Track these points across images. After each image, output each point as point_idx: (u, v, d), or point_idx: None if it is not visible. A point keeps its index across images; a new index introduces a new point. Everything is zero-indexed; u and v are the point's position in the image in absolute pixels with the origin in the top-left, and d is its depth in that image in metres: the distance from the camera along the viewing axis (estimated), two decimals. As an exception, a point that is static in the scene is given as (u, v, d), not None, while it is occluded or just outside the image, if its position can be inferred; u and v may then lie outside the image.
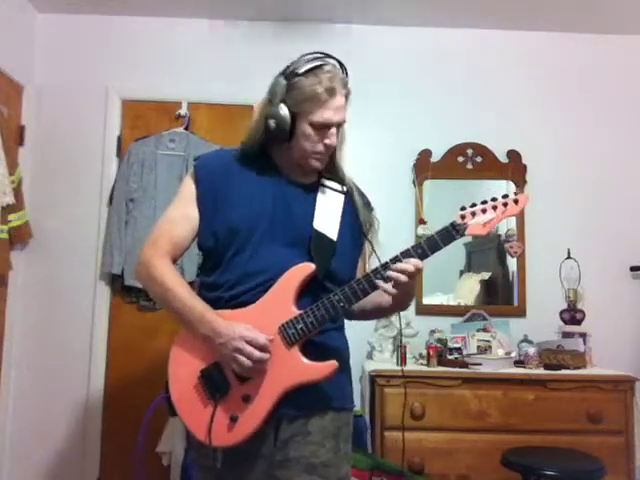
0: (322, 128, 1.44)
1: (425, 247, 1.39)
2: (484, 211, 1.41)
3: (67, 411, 2.97)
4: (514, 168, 3.13)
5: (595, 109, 3.20)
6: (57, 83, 3.13)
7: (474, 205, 1.42)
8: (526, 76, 3.21)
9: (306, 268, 1.42)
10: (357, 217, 1.55)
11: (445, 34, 3.22)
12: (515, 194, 1.43)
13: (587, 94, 3.21)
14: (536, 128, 3.17)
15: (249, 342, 1.34)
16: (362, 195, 1.61)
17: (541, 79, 3.21)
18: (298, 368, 1.38)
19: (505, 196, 1.43)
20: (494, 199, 1.42)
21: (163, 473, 2.65)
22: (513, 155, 3.14)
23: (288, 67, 1.46)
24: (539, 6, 2.98)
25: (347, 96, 1.49)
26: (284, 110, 1.43)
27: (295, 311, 1.40)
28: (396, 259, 1.39)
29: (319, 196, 1.53)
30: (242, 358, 1.34)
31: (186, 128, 3.08)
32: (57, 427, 2.97)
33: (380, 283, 1.38)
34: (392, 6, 3.02)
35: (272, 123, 1.44)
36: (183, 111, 3.11)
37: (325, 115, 1.43)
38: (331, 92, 1.42)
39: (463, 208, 1.42)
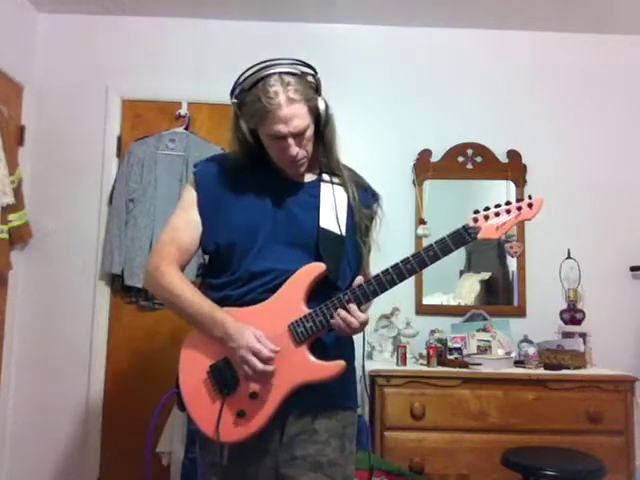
0: (279, 139, 1.41)
1: (437, 249, 1.39)
2: (497, 214, 1.40)
3: (67, 411, 2.97)
4: (514, 168, 3.13)
5: (595, 109, 3.20)
6: (57, 83, 3.13)
7: (487, 208, 1.41)
8: (526, 76, 3.21)
9: (316, 268, 1.42)
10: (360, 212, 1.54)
11: (445, 34, 3.22)
12: (530, 198, 1.42)
13: (587, 94, 3.21)
14: (536, 128, 3.17)
15: (254, 353, 1.35)
16: (365, 189, 1.58)
17: (541, 79, 3.21)
18: (306, 367, 1.39)
19: (520, 200, 1.42)
20: (508, 202, 1.42)
21: (163, 473, 2.65)
22: (513, 155, 3.14)
23: (235, 83, 1.42)
24: (539, 6, 2.98)
25: (309, 101, 1.41)
26: (244, 126, 1.44)
27: (305, 310, 1.41)
28: (398, 267, 1.40)
29: (322, 193, 1.52)
30: (246, 368, 1.36)
31: (186, 128, 3.08)
32: (57, 427, 2.97)
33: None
34: (392, 6, 3.02)
35: (240, 137, 1.46)
36: (183, 111, 3.11)
37: (274, 128, 1.39)
38: (275, 105, 1.36)
39: (476, 211, 1.41)
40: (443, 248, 1.39)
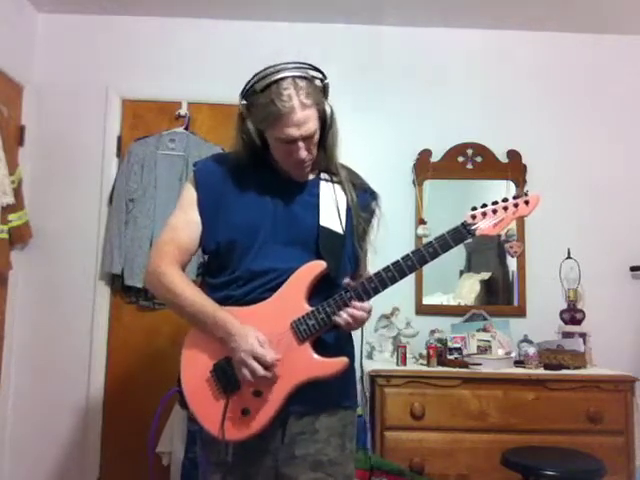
0: (288, 142, 1.41)
1: (436, 246, 1.40)
2: (495, 212, 1.43)
3: (67, 411, 2.97)
4: (514, 168, 3.13)
5: (595, 109, 3.20)
6: (57, 83, 3.13)
7: (485, 205, 1.43)
8: (526, 76, 3.21)
9: (317, 266, 1.43)
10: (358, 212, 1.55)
11: (445, 34, 3.22)
12: (526, 194, 1.44)
13: (587, 94, 3.21)
14: (536, 128, 3.17)
15: (257, 358, 1.35)
16: (364, 189, 1.59)
17: (541, 79, 3.21)
18: (309, 363, 1.40)
19: (516, 197, 1.44)
20: (505, 199, 1.44)
21: (163, 473, 2.65)
22: (513, 155, 3.14)
23: (246, 85, 1.43)
24: (539, 6, 2.98)
25: (318, 105, 1.42)
26: (251, 127, 1.44)
27: (307, 308, 1.41)
28: (396, 264, 1.41)
29: (322, 192, 1.52)
30: (245, 371, 1.36)
31: (186, 128, 3.08)
32: (57, 427, 2.96)
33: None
34: (392, 6, 3.02)
35: (245, 138, 1.46)
36: (183, 111, 3.11)
37: (286, 132, 1.39)
38: (289, 108, 1.36)
39: (474, 208, 1.43)
40: (443, 245, 1.41)
